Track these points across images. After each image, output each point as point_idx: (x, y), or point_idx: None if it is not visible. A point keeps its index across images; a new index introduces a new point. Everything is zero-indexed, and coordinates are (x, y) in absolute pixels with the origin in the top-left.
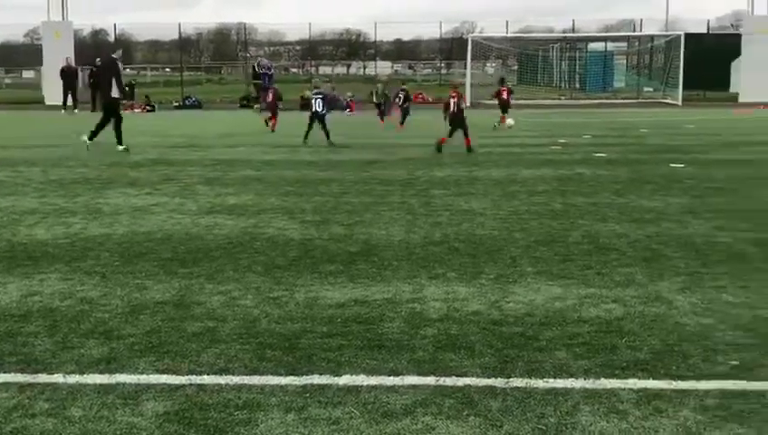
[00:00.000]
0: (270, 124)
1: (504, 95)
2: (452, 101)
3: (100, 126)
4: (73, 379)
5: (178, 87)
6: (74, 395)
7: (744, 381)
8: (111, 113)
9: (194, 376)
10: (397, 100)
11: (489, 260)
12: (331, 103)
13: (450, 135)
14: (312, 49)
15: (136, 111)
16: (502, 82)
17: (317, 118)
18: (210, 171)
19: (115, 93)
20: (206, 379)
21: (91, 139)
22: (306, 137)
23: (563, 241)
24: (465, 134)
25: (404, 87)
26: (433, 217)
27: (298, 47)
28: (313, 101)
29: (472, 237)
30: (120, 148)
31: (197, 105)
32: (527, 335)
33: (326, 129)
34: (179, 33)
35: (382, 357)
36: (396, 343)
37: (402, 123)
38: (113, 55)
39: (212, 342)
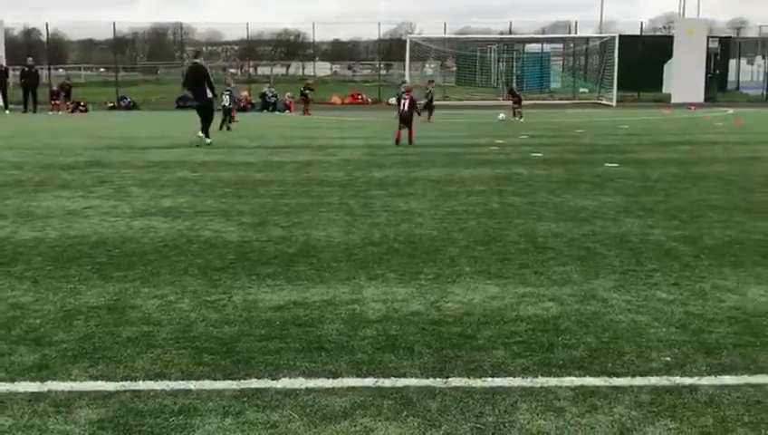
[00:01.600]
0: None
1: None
2: (403, 101)
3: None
4: (3, 387)
5: (114, 87)
6: (4, 404)
7: (677, 377)
8: (210, 113)
9: (129, 382)
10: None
11: (428, 260)
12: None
13: (401, 129)
14: (251, 49)
15: (60, 112)
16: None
17: (225, 112)
18: (145, 173)
19: (209, 94)
20: (142, 384)
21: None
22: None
23: (501, 240)
24: (409, 130)
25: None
26: (372, 217)
27: (236, 47)
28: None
29: (411, 238)
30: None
31: (133, 106)
32: (466, 335)
33: (227, 122)
34: (114, 32)
35: (321, 359)
36: (335, 344)
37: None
38: (197, 60)
39: (147, 347)
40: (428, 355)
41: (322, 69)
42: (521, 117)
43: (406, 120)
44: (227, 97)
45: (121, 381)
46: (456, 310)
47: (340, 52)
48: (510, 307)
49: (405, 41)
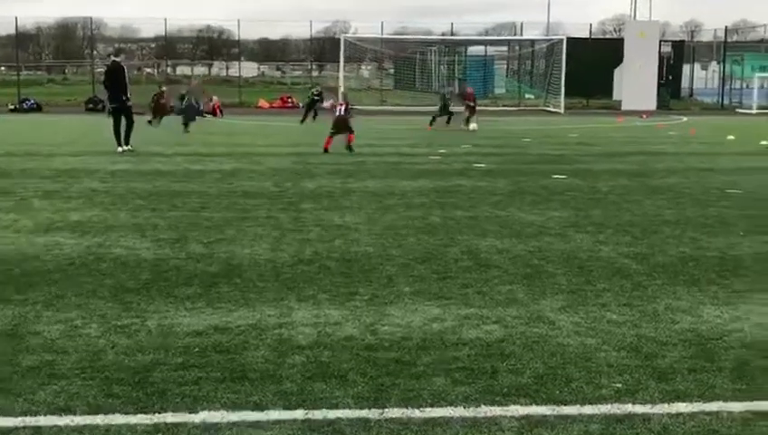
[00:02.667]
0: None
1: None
2: (339, 106)
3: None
4: None
5: (15, 88)
6: None
7: (629, 405)
8: (130, 117)
9: (29, 417)
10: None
11: (363, 280)
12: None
13: (332, 136)
14: (169, 47)
15: None
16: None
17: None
18: (50, 183)
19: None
20: (43, 420)
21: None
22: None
23: (442, 258)
24: (349, 134)
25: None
26: (303, 233)
27: (153, 45)
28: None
29: (345, 255)
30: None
31: (37, 108)
32: (403, 361)
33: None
34: (16, 27)
35: (245, 390)
36: (260, 373)
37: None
38: (117, 59)
39: (50, 377)
40: (363, 384)
41: (249, 69)
42: (470, 124)
43: (340, 126)
44: (186, 100)
45: (20, 416)
46: (393, 334)
47: (269, 51)
48: (451, 330)
49: (339, 40)
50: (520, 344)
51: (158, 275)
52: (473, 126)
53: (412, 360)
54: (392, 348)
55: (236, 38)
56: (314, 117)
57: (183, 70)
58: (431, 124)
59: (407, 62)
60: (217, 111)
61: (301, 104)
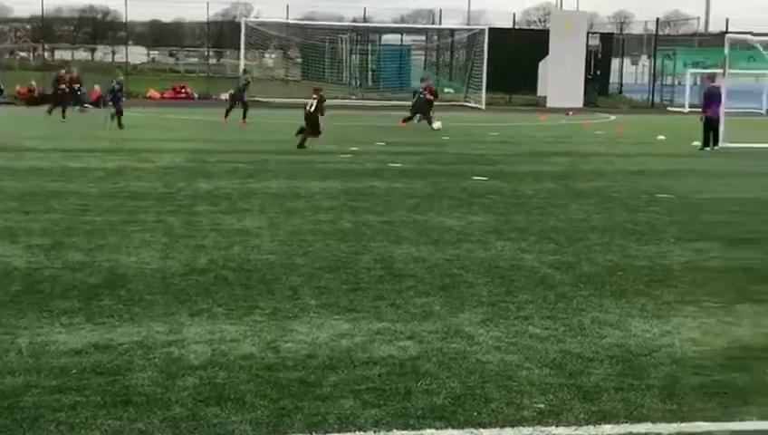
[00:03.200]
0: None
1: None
2: (311, 101)
3: None
4: None
5: None
6: None
7: (551, 428)
8: None
9: None
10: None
11: (265, 291)
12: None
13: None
14: (47, 29)
15: None
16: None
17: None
18: None
19: None
20: None
21: None
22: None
23: (352, 267)
24: (304, 132)
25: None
26: (197, 238)
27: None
28: None
29: (245, 264)
30: None
31: None
32: (308, 382)
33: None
34: None
35: (129, 416)
36: (147, 397)
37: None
38: None
39: None
40: (263, 408)
41: (137, 55)
42: (432, 121)
43: (309, 122)
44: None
45: None
46: (297, 352)
47: (160, 35)
48: (361, 347)
49: (239, 25)
50: (436, 362)
51: (30, 286)
52: (437, 124)
53: (317, 380)
54: (296, 367)
55: (123, 20)
56: (244, 113)
57: (62, 55)
58: (405, 121)
59: (315, 50)
60: (101, 100)
61: (224, 96)
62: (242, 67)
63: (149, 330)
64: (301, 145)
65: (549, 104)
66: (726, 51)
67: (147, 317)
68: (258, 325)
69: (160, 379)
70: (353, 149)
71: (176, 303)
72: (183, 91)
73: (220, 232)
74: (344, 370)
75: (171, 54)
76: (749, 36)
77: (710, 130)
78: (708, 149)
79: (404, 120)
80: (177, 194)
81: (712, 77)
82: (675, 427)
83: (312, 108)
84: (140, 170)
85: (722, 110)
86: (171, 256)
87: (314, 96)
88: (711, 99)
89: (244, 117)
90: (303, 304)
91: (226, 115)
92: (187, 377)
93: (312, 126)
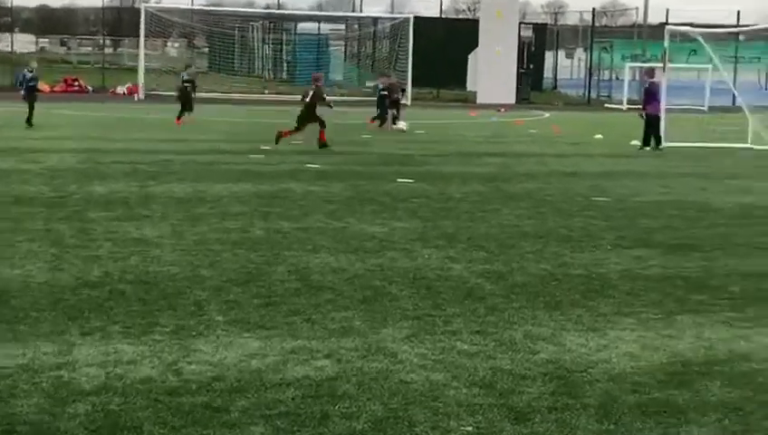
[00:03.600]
0: None
1: None
2: (309, 91)
3: None
4: None
5: None
6: None
7: None
8: None
9: None
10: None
11: (166, 307)
12: None
13: (321, 127)
14: None
15: None
16: None
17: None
18: None
19: None
20: None
21: None
22: None
23: (265, 279)
24: (319, 126)
25: None
26: (90, 248)
27: None
28: None
29: (144, 277)
30: None
31: None
32: (214, 407)
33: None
34: None
35: None
36: (32, 426)
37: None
38: None
39: None
40: None
41: (25, 44)
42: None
43: (307, 114)
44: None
45: None
46: (201, 374)
47: (50, 22)
48: (273, 368)
49: (138, 11)
50: (355, 383)
51: None
52: (401, 124)
53: (224, 405)
54: (200, 391)
55: (8, 4)
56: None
57: None
58: (375, 119)
59: (223, 39)
60: None
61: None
62: (141, 58)
63: (36, 351)
64: (323, 145)
65: (479, 100)
66: (666, 43)
67: (33, 336)
68: (158, 345)
69: (48, 406)
70: (266, 148)
71: (66, 320)
72: (76, 83)
73: (116, 241)
74: (254, 393)
75: (62, 43)
76: (690, 28)
77: (650, 128)
78: (648, 148)
79: (373, 120)
80: (67, 199)
81: (650, 72)
82: None
83: (308, 98)
84: (26, 172)
85: (662, 107)
86: (61, 268)
87: (313, 85)
88: (650, 95)
89: (179, 116)
90: (209, 320)
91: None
92: (77, 403)
93: (310, 118)
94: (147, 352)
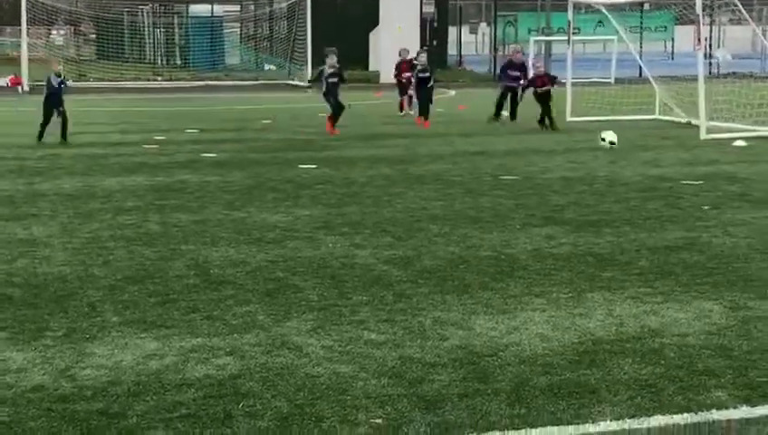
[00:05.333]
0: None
1: None
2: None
3: None
4: None
5: None
6: None
7: None
8: None
9: None
10: None
11: (57, 310)
12: None
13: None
14: None
15: None
16: None
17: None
18: None
19: None
20: None
21: None
22: None
23: (162, 276)
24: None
25: None
26: None
27: None
28: None
29: (32, 279)
30: None
31: None
32: (111, 413)
33: None
34: None
35: None
36: None
37: None
38: None
39: None
40: None
41: None
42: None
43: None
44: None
45: None
46: (96, 379)
47: None
48: (173, 368)
49: None
50: (259, 380)
51: None
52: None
53: (122, 410)
54: (95, 397)
55: None
56: None
57: None
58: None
59: (112, 25)
60: None
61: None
62: (24, 49)
63: None
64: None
65: (383, 80)
66: (570, 15)
67: None
68: (50, 350)
69: None
70: (160, 138)
71: None
72: None
73: (1, 243)
74: (153, 396)
75: None
76: None
77: (504, 100)
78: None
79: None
80: None
81: (517, 49)
82: (523, 434)
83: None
84: None
85: (521, 83)
86: None
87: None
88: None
89: None
90: (104, 321)
91: None
92: None
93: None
94: (37, 359)
